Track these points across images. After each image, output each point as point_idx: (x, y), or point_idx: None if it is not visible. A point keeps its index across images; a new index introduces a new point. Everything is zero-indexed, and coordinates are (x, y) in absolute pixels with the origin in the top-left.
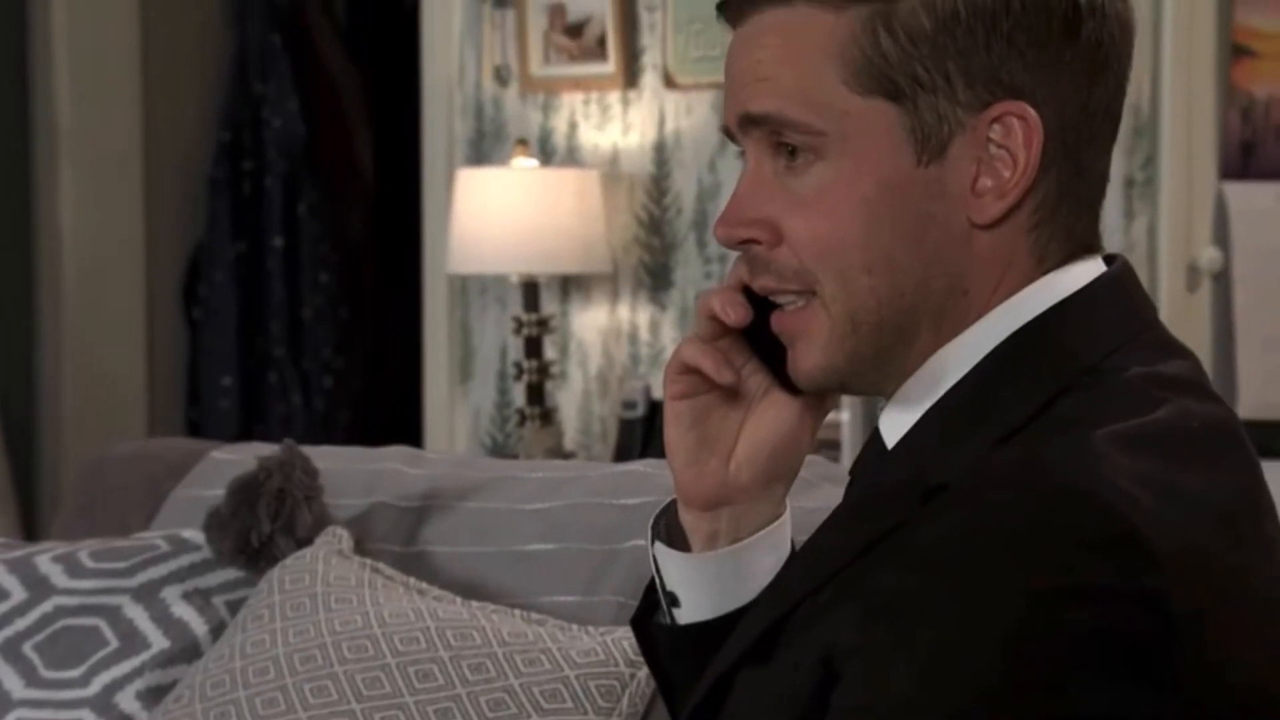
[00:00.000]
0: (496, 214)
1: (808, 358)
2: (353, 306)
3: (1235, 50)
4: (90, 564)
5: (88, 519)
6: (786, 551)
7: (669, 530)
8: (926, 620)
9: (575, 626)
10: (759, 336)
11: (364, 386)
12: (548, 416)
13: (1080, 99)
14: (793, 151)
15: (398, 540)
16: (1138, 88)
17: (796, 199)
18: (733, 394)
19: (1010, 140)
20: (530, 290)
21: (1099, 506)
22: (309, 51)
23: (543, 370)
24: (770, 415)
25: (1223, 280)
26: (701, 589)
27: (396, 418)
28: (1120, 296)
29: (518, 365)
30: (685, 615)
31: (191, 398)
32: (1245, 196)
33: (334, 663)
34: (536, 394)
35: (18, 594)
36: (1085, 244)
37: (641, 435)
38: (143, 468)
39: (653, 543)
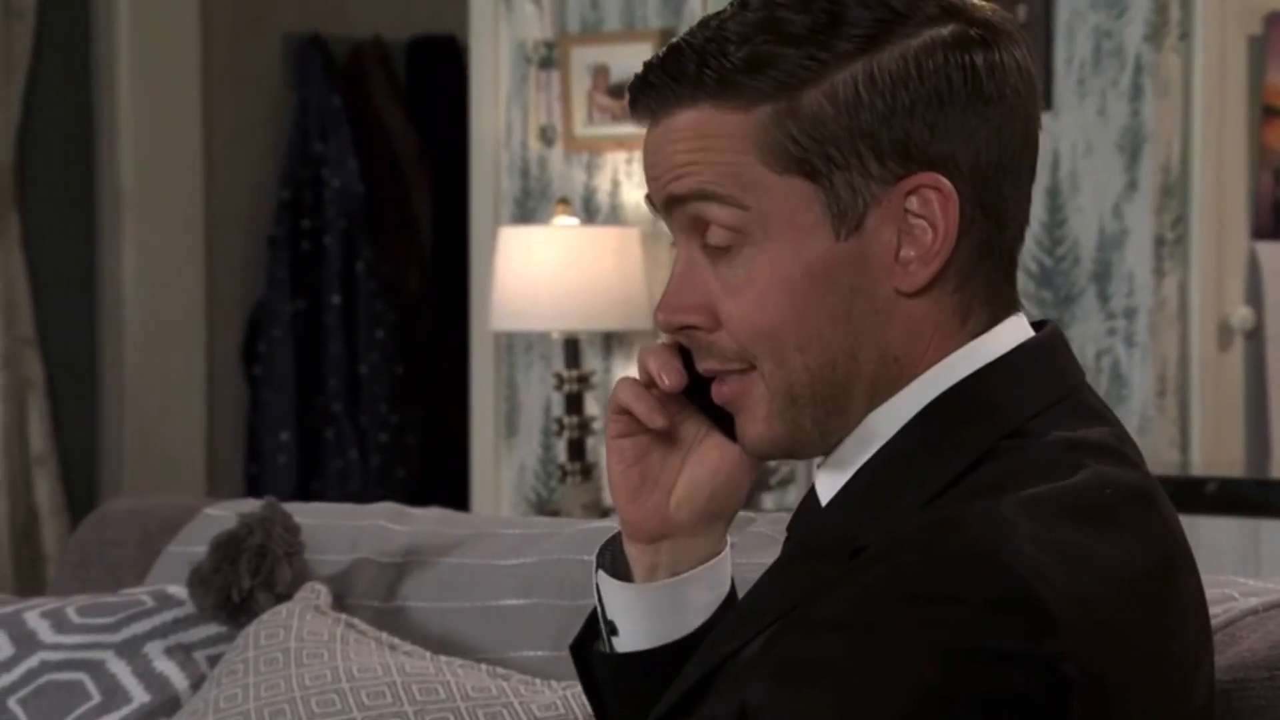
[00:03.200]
0: (538, 272)
1: (751, 428)
2: (409, 363)
3: (1266, 111)
4: (77, 619)
5: (83, 574)
6: (726, 588)
7: (614, 560)
8: (834, 682)
9: (539, 681)
10: (698, 384)
11: (420, 442)
12: (588, 472)
13: (993, 155)
14: (719, 241)
15: (378, 596)
16: (1168, 147)
17: (727, 284)
18: (671, 435)
19: (928, 210)
20: (571, 347)
21: (1000, 571)
22: (368, 112)
23: (583, 426)
24: (710, 457)
25: (1255, 339)
26: (640, 619)
27: (451, 473)
28: (1046, 362)
29: (559, 421)
30: (623, 644)
31: (251, 453)
32: (1277, 255)
33: (302, 717)
34: (577, 449)
35: (5, 649)
36: (1007, 302)
37: None
38: (138, 524)
39: (597, 570)
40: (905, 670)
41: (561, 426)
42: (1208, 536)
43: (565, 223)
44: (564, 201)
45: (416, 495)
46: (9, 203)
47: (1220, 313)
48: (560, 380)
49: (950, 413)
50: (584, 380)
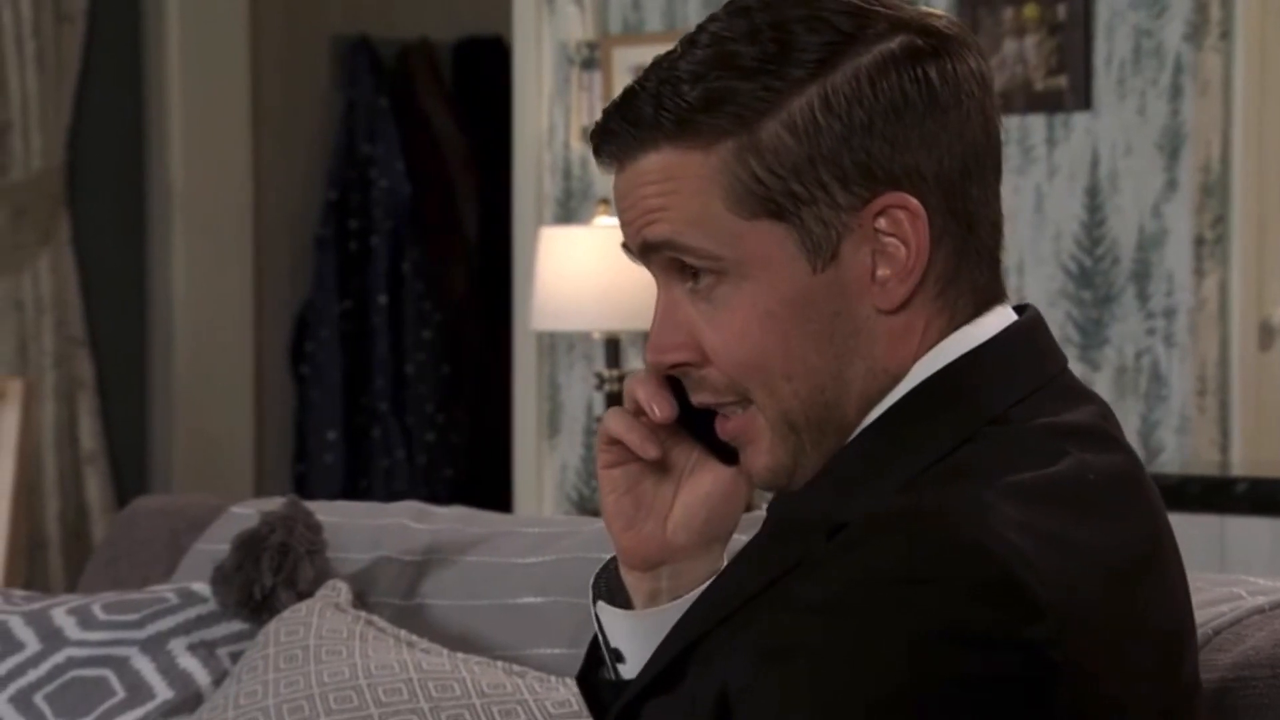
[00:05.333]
0: (579, 272)
1: (757, 460)
2: (455, 363)
3: None
4: (102, 616)
5: (112, 571)
6: None
7: (610, 588)
8: (816, 664)
9: (554, 678)
10: (686, 411)
11: (466, 441)
12: None
13: (956, 160)
14: (696, 274)
15: (399, 594)
16: (1207, 146)
17: (709, 319)
18: (662, 462)
19: (898, 229)
20: (613, 347)
21: (983, 555)
22: (416, 113)
23: None
24: (704, 480)
25: None
26: (645, 645)
27: (497, 472)
28: (1027, 346)
29: (600, 421)
30: (630, 671)
31: (298, 452)
32: None
33: (320, 713)
34: None
35: (32, 645)
36: (992, 295)
37: None
38: (166, 522)
39: (595, 601)
40: (887, 654)
41: None
42: (1238, 536)
43: (606, 223)
44: (605, 202)
45: (462, 494)
46: (60, 204)
47: (1261, 312)
48: (601, 380)
49: (930, 398)
50: (625, 380)
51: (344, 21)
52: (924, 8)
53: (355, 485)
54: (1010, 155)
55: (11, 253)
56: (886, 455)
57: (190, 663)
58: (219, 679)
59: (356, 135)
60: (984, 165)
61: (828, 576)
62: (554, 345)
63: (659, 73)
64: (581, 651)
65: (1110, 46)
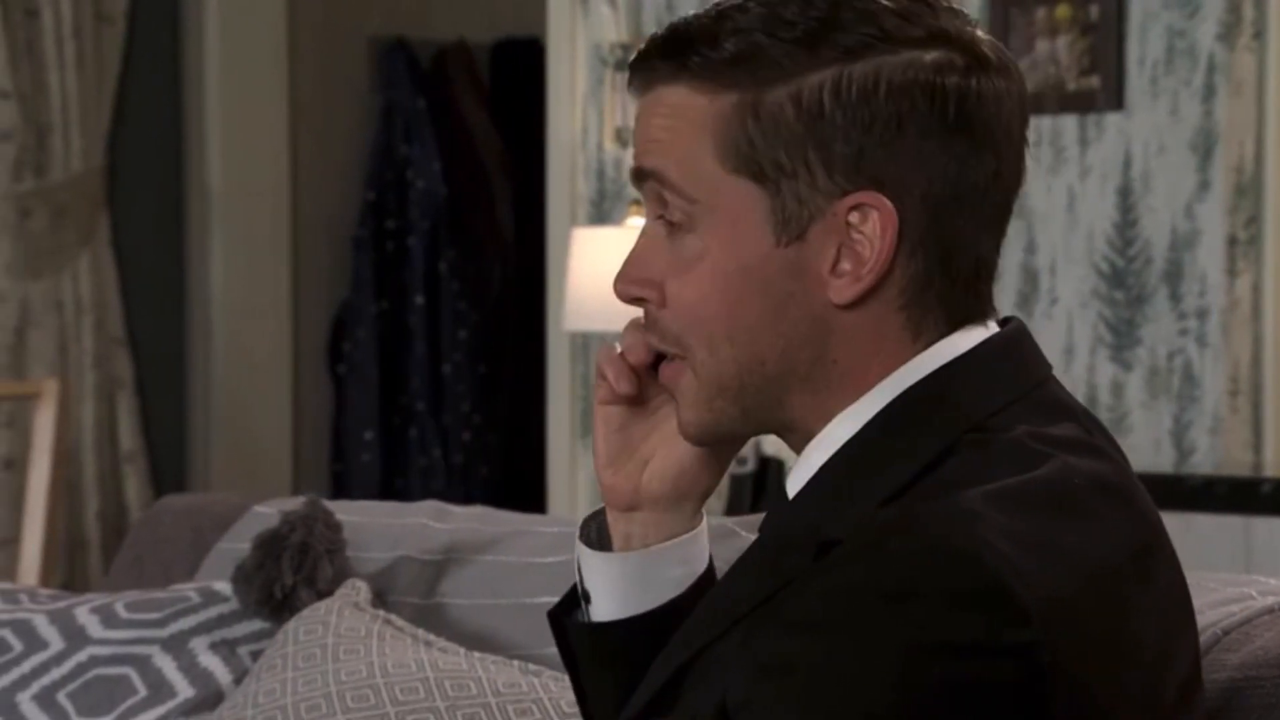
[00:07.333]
0: (612, 273)
1: (683, 414)
2: (491, 363)
3: None
4: (125, 614)
5: (136, 570)
6: (701, 566)
7: (599, 531)
8: (809, 678)
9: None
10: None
11: (502, 440)
12: None
13: (949, 185)
14: (670, 222)
15: (418, 593)
16: (1240, 146)
17: (677, 264)
18: (654, 410)
19: (867, 228)
20: None
21: (971, 563)
22: (453, 114)
23: None
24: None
25: None
26: (611, 588)
27: (534, 471)
28: (1009, 357)
29: None
30: (596, 613)
31: (336, 452)
32: None
33: (337, 711)
34: None
35: (56, 644)
36: (967, 316)
37: (751, 490)
38: (190, 521)
39: (579, 542)
40: (880, 667)
41: None
42: (1264, 537)
43: (638, 224)
44: (638, 203)
45: (498, 494)
46: (100, 205)
47: None
48: None
49: (910, 410)
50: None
51: (381, 23)
52: (980, 33)
53: (392, 485)
54: (1043, 155)
55: (52, 253)
56: (871, 469)
57: (211, 661)
58: (240, 678)
59: (394, 136)
60: (983, 201)
61: (819, 591)
62: (587, 345)
63: (707, 16)
64: None
65: (1143, 47)
